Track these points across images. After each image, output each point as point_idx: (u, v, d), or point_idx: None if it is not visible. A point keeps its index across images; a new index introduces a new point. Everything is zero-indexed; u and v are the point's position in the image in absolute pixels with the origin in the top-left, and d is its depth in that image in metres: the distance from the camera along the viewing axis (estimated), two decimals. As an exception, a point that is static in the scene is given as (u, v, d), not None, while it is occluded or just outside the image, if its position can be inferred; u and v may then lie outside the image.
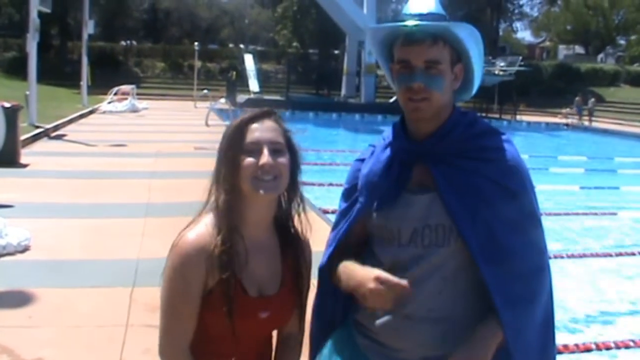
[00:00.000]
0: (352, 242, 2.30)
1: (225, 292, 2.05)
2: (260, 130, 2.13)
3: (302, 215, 2.28)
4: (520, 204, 2.14)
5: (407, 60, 2.13)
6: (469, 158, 2.14)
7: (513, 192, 2.13)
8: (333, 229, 2.37)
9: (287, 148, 2.17)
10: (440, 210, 2.11)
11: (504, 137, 2.23)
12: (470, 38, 2.16)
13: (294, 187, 2.23)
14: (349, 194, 2.35)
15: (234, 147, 2.12)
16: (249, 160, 2.10)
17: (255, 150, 2.11)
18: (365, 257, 2.24)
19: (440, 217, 2.11)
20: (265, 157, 2.10)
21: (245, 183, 2.10)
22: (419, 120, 2.17)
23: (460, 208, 2.08)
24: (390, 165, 2.21)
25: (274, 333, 2.36)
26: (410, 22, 2.11)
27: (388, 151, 2.25)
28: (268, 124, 2.15)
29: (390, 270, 2.11)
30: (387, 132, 2.32)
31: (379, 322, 2.17)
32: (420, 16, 2.12)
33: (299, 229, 2.29)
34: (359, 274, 2.10)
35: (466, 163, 2.13)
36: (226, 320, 2.06)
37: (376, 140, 2.36)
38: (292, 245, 2.26)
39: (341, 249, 2.28)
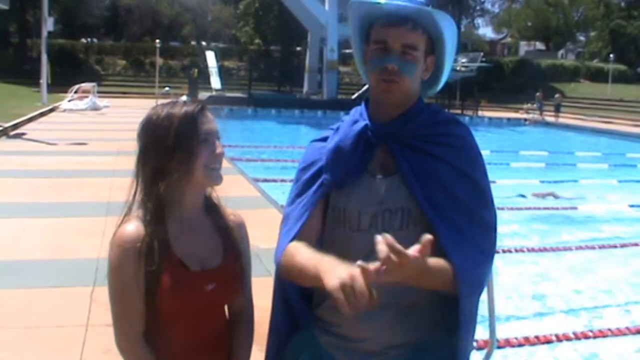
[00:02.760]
0: (311, 234, 2.21)
1: (163, 273, 2.12)
2: (210, 121, 2.19)
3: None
4: (481, 193, 2.14)
5: (384, 40, 2.11)
6: (434, 143, 2.14)
7: (473, 180, 2.13)
8: (285, 219, 2.27)
9: None
10: (401, 194, 2.09)
11: (464, 127, 2.23)
12: (449, 30, 2.15)
13: None
14: (302, 174, 2.28)
15: (189, 136, 2.13)
16: (206, 149, 2.15)
17: (209, 140, 2.16)
18: (323, 249, 2.17)
19: (400, 200, 2.09)
20: (220, 147, 2.18)
21: (199, 172, 2.15)
22: (387, 103, 2.15)
23: (422, 191, 2.07)
24: (357, 143, 2.17)
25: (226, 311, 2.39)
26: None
27: (355, 128, 2.20)
28: (209, 115, 2.21)
29: (351, 259, 2.07)
30: (353, 112, 2.30)
31: (340, 313, 2.09)
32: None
33: (226, 211, 2.37)
34: (333, 272, 1.79)
35: (430, 147, 2.13)
36: (175, 298, 2.13)
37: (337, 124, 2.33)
38: (224, 224, 2.32)
39: (302, 238, 2.18)
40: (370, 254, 2.03)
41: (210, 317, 2.26)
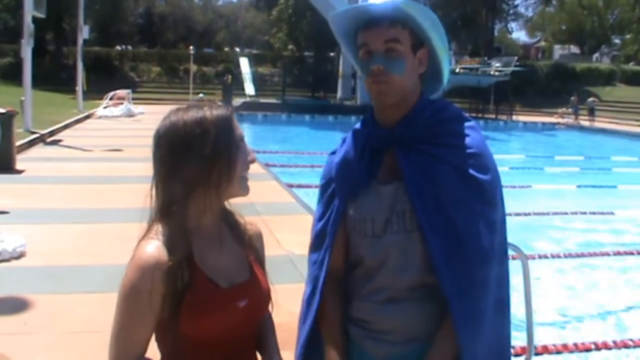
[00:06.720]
0: (338, 258, 2.27)
1: (190, 294, 1.90)
2: (238, 125, 2.00)
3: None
4: (483, 192, 2.10)
5: (366, 43, 2.13)
6: (436, 145, 2.13)
7: (475, 179, 2.09)
8: (316, 236, 2.32)
9: None
10: (407, 198, 2.10)
11: (470, 123, 2.21)
12: (426, 20, 2.13)
13: None
14: (324, 190, 2.35)
15: (228, 143, 1.94)
16: (242, 157, 1.98)
17: (241, 146, 1.99)
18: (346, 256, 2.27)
19: (405, 203, 2.10)
20: (252, 153, 2.03)
21: (235, 182, 1.97)
22: (384, 105, 2.18)
23: (421, 195, 2.07)
24: (362, 153, 2.21)
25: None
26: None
27: (359, 138, 2.26)
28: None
29: (370, 264, 2.16)
30: (361, 121, 2.34)
31: (366, 308, 2.18)
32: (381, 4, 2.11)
33: (243, 219, 2.19)
34: None
35: (432, 149, 2.12)
36: (204, 319, 1.91)
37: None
38: (244, 233, 2.15)
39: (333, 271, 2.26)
40: (386, 258, 2.13)
41: (240, 339, 2.06)
